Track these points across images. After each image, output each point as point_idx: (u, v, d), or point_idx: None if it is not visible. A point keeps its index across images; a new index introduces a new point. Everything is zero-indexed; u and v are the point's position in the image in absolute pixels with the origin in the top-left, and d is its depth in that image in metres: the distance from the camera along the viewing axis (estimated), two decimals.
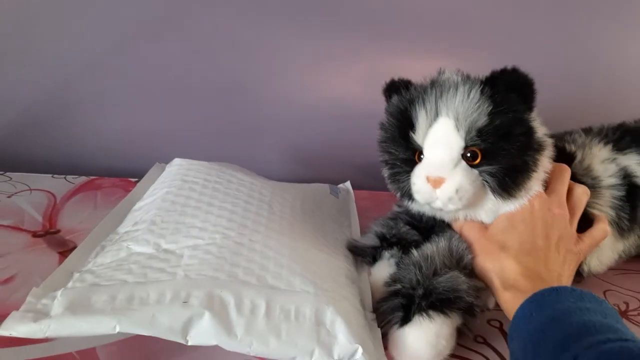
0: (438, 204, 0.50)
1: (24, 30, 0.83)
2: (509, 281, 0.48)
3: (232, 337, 0.41)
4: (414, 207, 0.55)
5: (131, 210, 0.60)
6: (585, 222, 0.55)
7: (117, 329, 0.40)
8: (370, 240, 0.57)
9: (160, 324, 0.40)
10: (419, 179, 0.50)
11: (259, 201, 0.60)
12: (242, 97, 0.88)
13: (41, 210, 0.70)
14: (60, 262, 0.56)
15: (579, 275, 0.57)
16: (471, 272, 0.50)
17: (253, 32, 0.84)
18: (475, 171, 0.49)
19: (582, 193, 0.55)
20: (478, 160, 0.49)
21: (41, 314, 0.41)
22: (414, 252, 0.51)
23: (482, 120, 0.48)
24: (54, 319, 0.41)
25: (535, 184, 0.51)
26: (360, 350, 0.42)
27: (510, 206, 0.51)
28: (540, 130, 0.51)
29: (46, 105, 0.87)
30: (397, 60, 0.86)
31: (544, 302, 0.42)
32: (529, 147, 0.49)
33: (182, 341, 0.40)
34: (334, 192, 0.76)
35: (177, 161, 0.67)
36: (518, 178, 0.49)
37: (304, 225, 0.60)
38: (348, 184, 0.81)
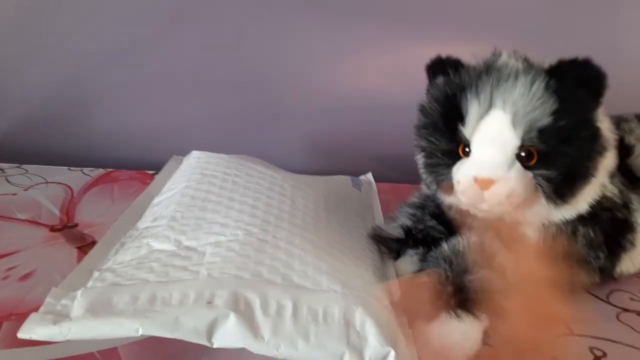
0: (485, 206, 0.46)
1: (41, 23, 0.82)
2: None
3: (258, 339, 0.39)
4: (450, 200, 0.51)
5: (150, 204, 0.57)
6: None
7: (140, 332, 0.38)
8: (395, 231, 0.55)
9: (184, 326, 0.39)
10: (465, 178, 0.45)
11: (281, 195, 0.58)
12: (260, 89, 0.86)
13: (58, 203, 0.68)
14: (79, 257, 0.56)
15: (610, 276, 0.54)
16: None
17: (272, 23, 0.82)
18: (530, 173, 0.45)
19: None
20: (533, 162, 0.44)
21: (61, 316, 0.39)
22: (445, 245, 0.48)
23: (545, 120, 0.43)
24: (75, 321, 0.39)
25: (593, 190, 0.47)
26: (392, 353, 0.39)
27: (561, 213, 0.47)
28: (605, 128, 0.46)
29: (62, 98, 0.86)
30: (421, 50, 0.82)
31: None
32: (592, 152, 0.45)
33: (207, 344, 0.38)
34: (356, 184, 0.73)
35: (195, 154, 0.64)
36: (576, 184, 0.45)
37: (328, 221, 0.57)
38: (370, 175, 0.77)
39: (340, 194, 0.67)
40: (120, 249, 0.49)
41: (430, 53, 0.83)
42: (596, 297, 0.54)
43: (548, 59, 0.46)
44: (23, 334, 0.38)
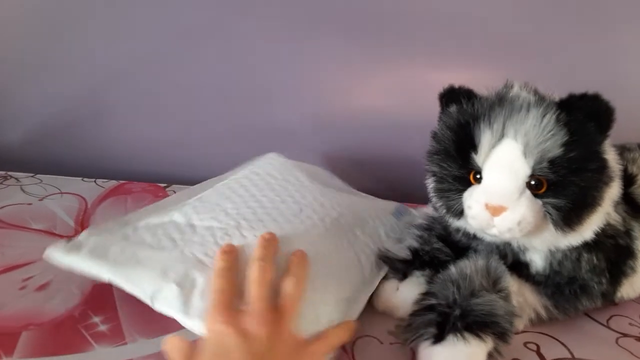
0: (494, 231, 0.47)
1: (58, 35, 0.84)
2: None
3: (186, 315, 0.45)
4: (458, 224, 0.52)
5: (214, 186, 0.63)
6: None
7: (107, 279, 0.48)
8: (402, 252, 0.56)
9: (140, 285, 0.47)
10: (477, 204, 0.47)
11: (294, 203, 0.59)
12: (272, 104, 0.87)
13: (73, 214, 0.70)
14: None
15: (611, 302, 0.55)
16: (507, 296, 0.48)
17: (283, 42, 0.84)
18: (539, 202, 0.46)
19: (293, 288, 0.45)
20: (543, 190, 0.45)
21: (74, 248, 0.51)
22: (452, 268, 0.50)
23: (556, 151, 0.44)
24: (78, 255, 0.50)
25: (599, 218, 0.48)
26: None
27: (568, 240, 0.48)
28: (611, 159, 0.48)
29: (77, 109, 0.88)
30: (428, 72, 0.84)
31: None
32: (600, 182, 0.46)
33: (149, 304, 0.46)
34: (397, 214, 0.70)
35: (270, 155, 0.70)
36: (584, 213, 0.46)
37: (324, 235, 0.56)
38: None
39: (364, 216, 0.64)
40: (161, 212, 0.57)
41: (437, 77, 0.85)
42: (596, 321, 0.55)
43: (553, 91, 0.48)
44: (46, 252, 0.51)
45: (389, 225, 0.66)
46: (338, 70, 0.86)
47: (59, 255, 0.50)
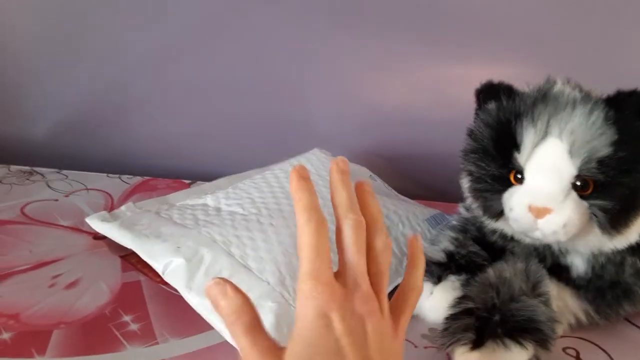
0: (538, 234, 0.45)
1: (82, 30, 0.84)
2: None
3: (188, 290, 0.47)
4: (496, 225, 0.51)
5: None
6: None
7: (129, 245, 0.53)
8: (438, 255, 0.55)
9: (155, 257, 0.51)
10: (520, 206, 0.45)
11: (319, 199, 0.59)
12: (293, 100, 0.87)
13: (99, 210, 0.69)
14: (123, 265, 0.58)
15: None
16: (547, 300, 0.46)
17: (309, 37, 0.82)
18: (585, 203, 0.44)
19: (383, 248, 0.33)
20: (589, 191, 0.44)
21: (111, 218, 0.58)
22: (491, 271, 0.48)
23: (605, 150, 0.42)
24: (110, 224, 0.56)
25: None
26: None
27: (614, 243, 0.46)
28: None
29: (102, 104, 0.88)
30: (451, 67, 0.83)
31: None
32: None
33: (160, 273, 0.50)
34: (432, 222, 0.67)
35: (313, 150, 0.72)
36: (632, 216, 0.44)
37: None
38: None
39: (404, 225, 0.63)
40: (201, 195, 0.62)
41: (470, 71, 0.84)
42: (637, 326, 0.54)
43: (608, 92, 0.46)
44: (87, 218, 0.59)
45: (419, 230, 0.64)
46: (361, 65, 0.84)
47: (96, 223, 0.57)
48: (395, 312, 0.34)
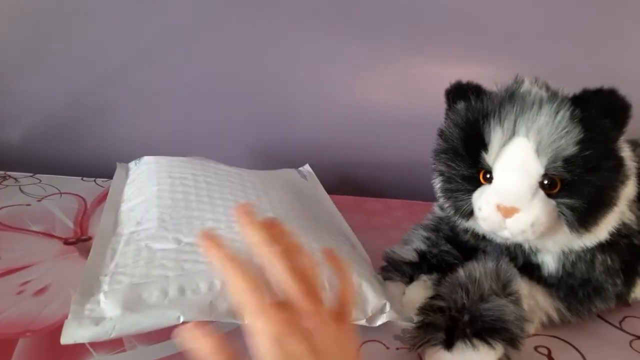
0: (506, 234, 0.45)
1: (56, 34, 0.82)
2: None
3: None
4: (467, 225, 0.51)
5: (120, 211, 0.58)
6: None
7: (182, 319, 0.41)
8: (409, 254, 0.55)
9: (218, 309, 0.43)
10: (488, 206, 0.45)
11: (254, 190, 0.61)
12: (274, 100, 0.86)
13: (72, 215, 0.68)
14: None
15: (624, 303, 0.54)
16: (517, 299, 0.47)
17: (291, 38, 0.82)
18: (553, 202, 0.44)
19: (310, 265, 0.35)
20: (557, 190, 0.44)
21: (98, 318, 0.41)
22: (461, 271, 0.48)
23: (571, 149, 0.42)
24: (116, 319, 0.41)
25: (614, 218, 0.46)
26: (388, 305, 0.47)
27: (582, 241, 0.46)
28: (627, 156, 0.46)
29: (76, 107, 0.86)
30: (433, 67, 0.83)
31: None
32: (616, 181, 0.44)
33: (238, 322, 0.43)
34: (303, 175, 0.78)
35: (148, 159, 0.66)
36: (600, 214, 0.44)
37: (303, 210, 0.61)
38: (307, 166, 0.81)
39: (297, 185, 0.72)
40: (114, 254, 0.50)
41: (446, 70, 0.84)
42: (609, 323, 0.54)
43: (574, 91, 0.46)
44: (66, 339, 0.40)
45: (309, 186, 0.73)
46: (342, 65, 0.84)
47: (89, 332, 0.41)
48: (340, 310, 0.36)
